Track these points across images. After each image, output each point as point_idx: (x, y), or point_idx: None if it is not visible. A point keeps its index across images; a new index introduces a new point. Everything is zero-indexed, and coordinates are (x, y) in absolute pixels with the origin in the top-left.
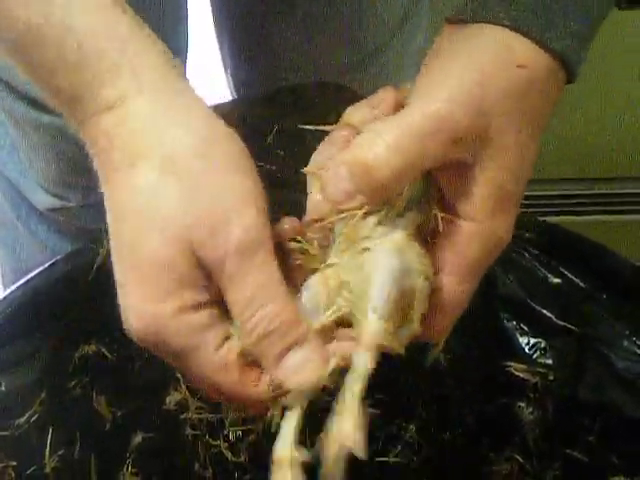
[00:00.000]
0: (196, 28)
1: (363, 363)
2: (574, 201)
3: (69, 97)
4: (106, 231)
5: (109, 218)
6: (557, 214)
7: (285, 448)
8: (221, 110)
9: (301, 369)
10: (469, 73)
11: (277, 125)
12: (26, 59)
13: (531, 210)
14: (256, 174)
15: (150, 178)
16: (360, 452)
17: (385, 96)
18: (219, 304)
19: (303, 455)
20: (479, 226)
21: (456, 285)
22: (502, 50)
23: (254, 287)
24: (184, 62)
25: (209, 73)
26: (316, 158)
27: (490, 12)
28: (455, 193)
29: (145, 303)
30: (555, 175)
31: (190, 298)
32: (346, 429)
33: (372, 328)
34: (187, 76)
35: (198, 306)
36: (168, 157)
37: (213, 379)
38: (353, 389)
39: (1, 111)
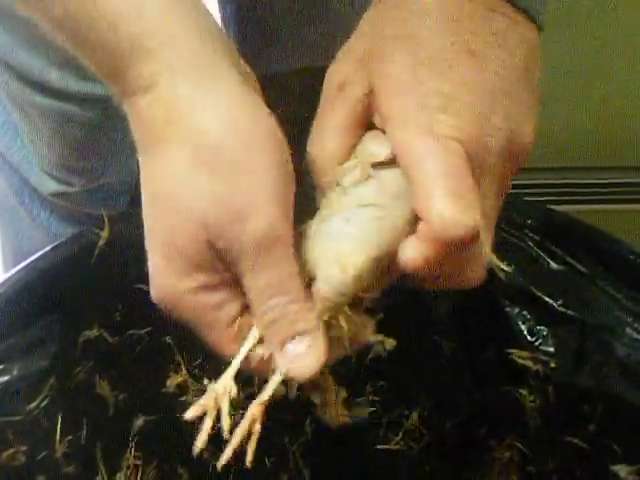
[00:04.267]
0: None
1: None
2: (580, 190)
3: (110, 75)
4: (108, 215)
5: (143, 189)
6: (561, 203)
7: (226, 379)
8: None
9: (301, 358)
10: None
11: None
12: (69, 39)
13: (536, 199)
14: (289, 165)
15: (178, 164)
16: None
17: None
18: (235, 283)
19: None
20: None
21: (435, 201)
22: None
23: (269, 279)
24: None
25: None
26: None
27: None
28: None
29: (163, 278)
30: (560, 163)
31: (204, 280)
32: None
33: None
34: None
35: (212, 287)
36: (198, 144)
37: (226, 353)
38: None
39: (4, 95)
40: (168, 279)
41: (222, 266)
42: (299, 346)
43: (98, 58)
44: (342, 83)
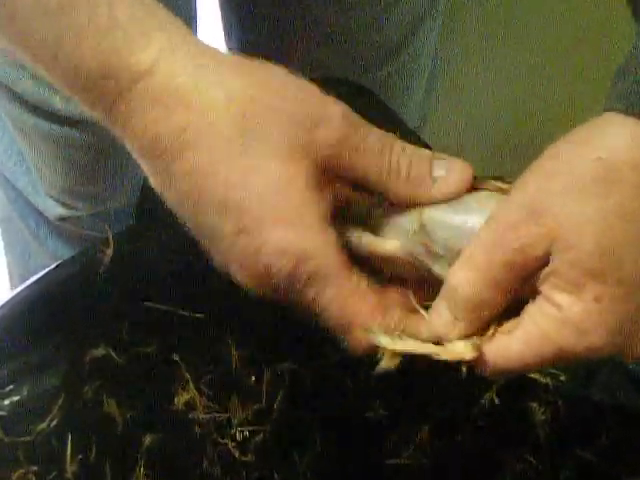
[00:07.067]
0: (204, 30)
1: None
2: None
3: (98, 71)
4: (113, 234)
5: (186, 196)
6: None
7: None
8: None
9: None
10: (530, 175)
11: None
12: (54, 29)
13: None
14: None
15: (232, 126)
16: None
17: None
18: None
19: None
20: (553, 305)
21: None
22: (575, 143)
23: (378, 138)
24: None
25: None
26: None
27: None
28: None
29: (278, 231)
30: None
31: (322, 211)
32: None
33: None
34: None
35: (328, 218)
36: (240, 99)
37: (347, 306)
38: None
39: (9, 121)
40: (296, 230)
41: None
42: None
43: (87, 46)
44: (524, 246)
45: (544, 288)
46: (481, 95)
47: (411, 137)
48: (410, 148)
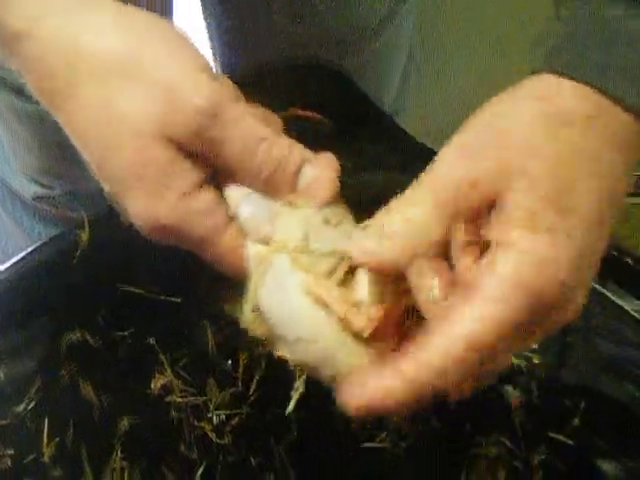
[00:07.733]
0: (183, 15)
1: None
2: None
3: None
4: (89, 216)
5: (74, 138)
6: None
7: None
8: None
9: (318, 181)
10: (472, 120)
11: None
12: None
13: None
14: (193, 45)
15: (92, 92)
16: None
17: None
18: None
19: None
20: (513, 247)
21: (479, 301)
22: (512, 93)
23: (243, 135)
24: None
25: None
26: None
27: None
28: (490, 227)
29: (144, 206)
30: None
31: (183, 184)
32: None
33: None
34: None
35: (194, 190)
36: (100, 65)
37: (224, 262)
38: None
39: None
40: (148, 206)
41: (193, 162)
42: (308, 174)
43: None
44: (475, 181)
45: (495, 232)
46: (460, 78)
47: (384, 121)
48: (280, 149)
